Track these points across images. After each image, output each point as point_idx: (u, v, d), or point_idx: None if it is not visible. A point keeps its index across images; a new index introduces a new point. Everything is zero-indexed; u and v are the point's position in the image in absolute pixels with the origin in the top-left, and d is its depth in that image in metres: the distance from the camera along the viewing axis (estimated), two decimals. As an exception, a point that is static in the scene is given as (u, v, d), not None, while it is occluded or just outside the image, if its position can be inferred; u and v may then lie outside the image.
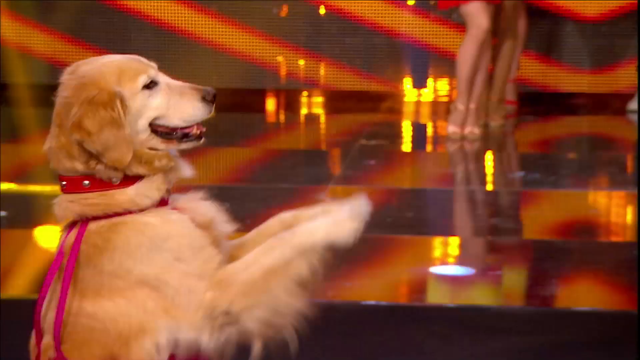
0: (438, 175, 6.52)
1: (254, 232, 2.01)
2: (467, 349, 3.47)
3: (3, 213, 5.05)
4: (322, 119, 9.27)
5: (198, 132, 1.88)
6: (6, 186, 5.84)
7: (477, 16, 6.50)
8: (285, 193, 5.75)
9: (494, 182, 6.49)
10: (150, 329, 1.75)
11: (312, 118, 9.41)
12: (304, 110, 9.57)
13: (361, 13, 9.20)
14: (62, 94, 1.80)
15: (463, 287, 4.49)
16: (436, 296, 4.49)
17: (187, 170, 1.91)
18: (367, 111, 8.83)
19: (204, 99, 1.86)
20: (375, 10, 9.27)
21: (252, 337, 1.79)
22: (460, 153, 6.91)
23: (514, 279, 4.73)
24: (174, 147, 1.85)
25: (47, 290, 1.80)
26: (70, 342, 1.76)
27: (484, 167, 6.82)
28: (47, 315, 1.79)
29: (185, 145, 1.88)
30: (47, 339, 1.77)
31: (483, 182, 6.48)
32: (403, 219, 5.32)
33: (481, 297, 4.42)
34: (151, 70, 1.86)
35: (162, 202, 1.83)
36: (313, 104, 9.60)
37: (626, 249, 4.99)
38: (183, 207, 1.88)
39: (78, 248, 1.77)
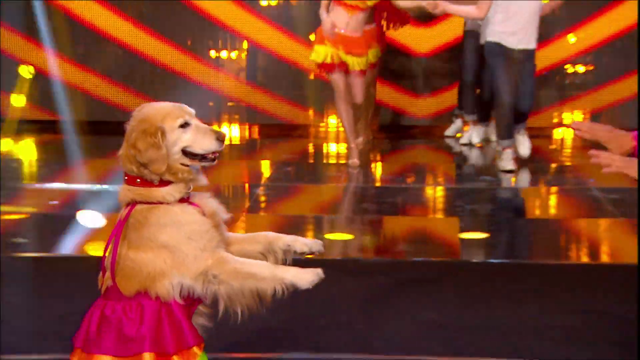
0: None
1: (247, 235, 2.89)
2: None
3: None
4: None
5: (213, 156, 2.72)
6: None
7: (336, 82, 7.65)
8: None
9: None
10: (167, 275, 2.58)
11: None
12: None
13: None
14: (130, 123, 2.65)
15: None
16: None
17: (202, 180, 2.75)
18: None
19: (217, 138, 2.71)
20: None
21: (219, 299, 2.63)
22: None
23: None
24: (196, 165, 2.75)
25: (109, 244, 2.68)
26: (120, 276, 2.62)
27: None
28: (108, 259, 2.66)
29: (204, 164, 2.73)
30: (107, 274, 2.65)
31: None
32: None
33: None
34: (187, 115, 2.73)
35: (183, 200, 2.72)
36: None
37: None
38: (196, 203, 2.77)
39: (127, 219, 2.67)
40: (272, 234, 2.87)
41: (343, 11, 7.36)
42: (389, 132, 9.53)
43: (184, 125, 2.76)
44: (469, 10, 7.60)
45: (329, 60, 7.55)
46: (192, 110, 2.87)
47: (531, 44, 7.41)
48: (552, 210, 7.58)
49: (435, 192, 7.74)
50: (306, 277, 2.67)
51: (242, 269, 2.72)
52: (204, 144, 2.80)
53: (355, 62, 7.51)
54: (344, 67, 7.56)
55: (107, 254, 2.74)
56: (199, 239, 2.67)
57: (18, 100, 10.16)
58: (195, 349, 2.77)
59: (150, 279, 2.69)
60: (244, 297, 2.71)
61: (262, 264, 2.79)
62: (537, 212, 7.54)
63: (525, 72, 7.52)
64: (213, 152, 2.80)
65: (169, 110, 2.81)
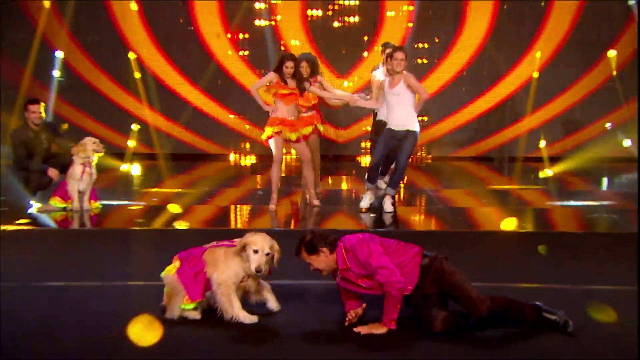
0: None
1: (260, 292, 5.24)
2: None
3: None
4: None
5: (266, 272, 5.05)
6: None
7: (275, 149, 8.80)
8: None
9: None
10: (212, 275, 5.08)
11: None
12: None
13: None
14: (239, 240, 5.04)
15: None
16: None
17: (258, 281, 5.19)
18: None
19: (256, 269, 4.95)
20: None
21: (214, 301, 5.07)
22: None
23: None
24: (257, 275, 5.06)
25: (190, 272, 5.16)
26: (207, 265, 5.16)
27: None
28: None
29: (259, 274, 5.00)
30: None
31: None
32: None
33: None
34: (263, 246, 4.97)
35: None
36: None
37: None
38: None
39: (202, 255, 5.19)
40: (267, 296, 5.20)
41: (281, 104, 8.68)
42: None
43: (256, 250, 5.02)
44: (372, 103, 9.20)
45: (270, 134, 8.72)
46: (268, 246, 5.10)
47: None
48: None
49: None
50: (248, 319, 4.98)
51: (225, 298, 5.04)
52: (262, 266, 5.03)
53: (291, 135, 8.77)
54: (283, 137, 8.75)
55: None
56: (225, 270, 5.13)
57: (132, 143, 13.62)
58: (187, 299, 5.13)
59: (210, 270, 5.17)
60: (220, 308, 5.09)
61: (235, 305, 5.02)
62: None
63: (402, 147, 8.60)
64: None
65: (254, 239, 5.06)
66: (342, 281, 5.06)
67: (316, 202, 8.95)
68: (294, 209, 9.50)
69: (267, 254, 5.08)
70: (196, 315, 5.13)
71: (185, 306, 5.12)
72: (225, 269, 5.16)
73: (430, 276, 5.01)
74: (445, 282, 4.97)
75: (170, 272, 5.27)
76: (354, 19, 13.98)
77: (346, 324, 5.03)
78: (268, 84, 8.66)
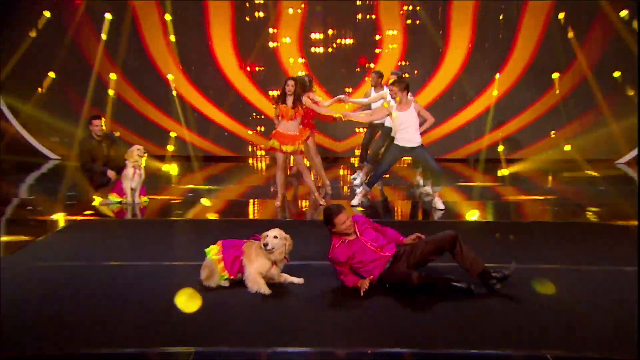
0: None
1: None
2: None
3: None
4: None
5: (281, 257, 5.49)
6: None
7: (277, 159, 8.98)
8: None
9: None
10: (248, 264, 5.42)
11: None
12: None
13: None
14: (268, 233, 5.42)
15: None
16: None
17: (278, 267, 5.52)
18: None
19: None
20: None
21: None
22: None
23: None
24: (275, 266, 5.50)
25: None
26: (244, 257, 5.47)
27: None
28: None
29: (267, 248, 5.38)
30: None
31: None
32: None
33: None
34: (273, 232, 5.39)
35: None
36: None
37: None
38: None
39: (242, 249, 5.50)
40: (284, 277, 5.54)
41: (283, 120, 8.78)
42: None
43: (266, 245, 5.37)
44: (364, 119, 9.59)
45: (274, 145, 8.86)
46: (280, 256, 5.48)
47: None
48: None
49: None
50: (268, 291, 5.29)
51: (252, 283, 5.36)
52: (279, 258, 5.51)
53: (287, 148, 8.82)
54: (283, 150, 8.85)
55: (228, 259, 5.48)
56: (259, 266, 5.46)
57: (172, 168, 12.92)
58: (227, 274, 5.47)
59: (245, 260, 5.46)
60: (250, 289, 5.37)
61: (260, 283, 5.35)
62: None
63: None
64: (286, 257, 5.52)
65: (277, 235, 5.43)
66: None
67: (322, 202, 8.95)
68: (298, 204, 9.57)
69: (275, 237, 5.45)
70: (226, 284, 5.52)
71: (222, 278, 5.50)
72: (255, 262, 5.50)
73: (399, 260, 5.57)
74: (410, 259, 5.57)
75: (212, 251, 5.57)
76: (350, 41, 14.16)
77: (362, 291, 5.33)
78: (274, 108, 8.96)
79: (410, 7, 13.96)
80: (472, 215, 8.61)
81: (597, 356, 4.42)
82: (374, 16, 14.05)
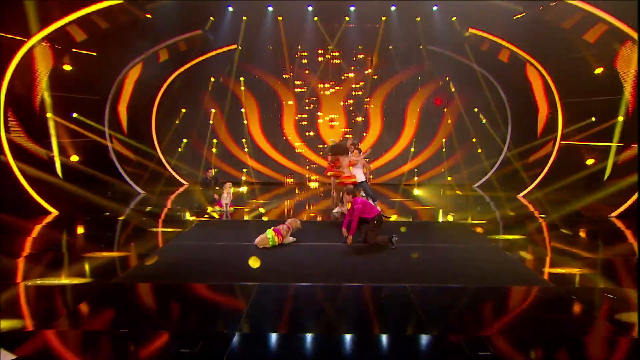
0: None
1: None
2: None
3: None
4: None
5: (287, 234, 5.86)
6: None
7: (332, 181, 8.10)
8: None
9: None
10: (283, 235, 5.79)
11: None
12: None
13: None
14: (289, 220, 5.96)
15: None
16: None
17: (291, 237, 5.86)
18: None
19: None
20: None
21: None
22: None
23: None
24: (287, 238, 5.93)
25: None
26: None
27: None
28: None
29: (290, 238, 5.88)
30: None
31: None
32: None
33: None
34: (290, 220, 5.87)
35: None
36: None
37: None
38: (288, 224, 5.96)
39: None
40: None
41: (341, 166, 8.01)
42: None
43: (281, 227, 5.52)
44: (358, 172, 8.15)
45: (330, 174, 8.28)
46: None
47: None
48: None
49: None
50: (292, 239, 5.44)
51: (287, 238, 5.69)
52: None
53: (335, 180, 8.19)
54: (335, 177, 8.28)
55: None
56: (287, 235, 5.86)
57: (244, 177, 12.92)
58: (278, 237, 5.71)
59: (284, 232, 5.56)
60: (286, 241, 5.64)
61: (290, 239, 5.46)
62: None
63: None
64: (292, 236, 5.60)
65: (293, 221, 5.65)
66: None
67: (338, 209, 8.04)
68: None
69: (290, 222, 6.09)
70: (276, 243, 6.04)
71: (272, 243, 6.06)
72: (286, 233, 6.20)
73: (376, 220, 6.16)
74: (374, 226, 6.08)
75: (270, 232, 6.12)
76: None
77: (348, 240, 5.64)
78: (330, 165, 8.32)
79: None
80: (389, 215, 8.60)
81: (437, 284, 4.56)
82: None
